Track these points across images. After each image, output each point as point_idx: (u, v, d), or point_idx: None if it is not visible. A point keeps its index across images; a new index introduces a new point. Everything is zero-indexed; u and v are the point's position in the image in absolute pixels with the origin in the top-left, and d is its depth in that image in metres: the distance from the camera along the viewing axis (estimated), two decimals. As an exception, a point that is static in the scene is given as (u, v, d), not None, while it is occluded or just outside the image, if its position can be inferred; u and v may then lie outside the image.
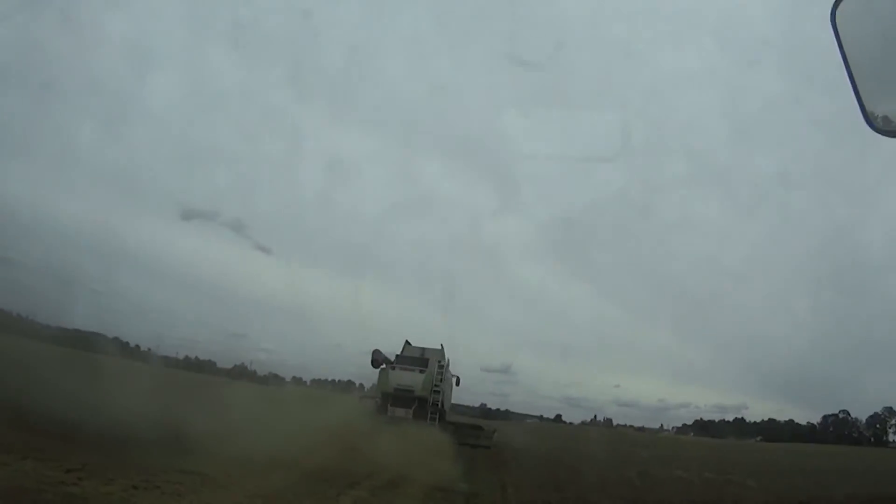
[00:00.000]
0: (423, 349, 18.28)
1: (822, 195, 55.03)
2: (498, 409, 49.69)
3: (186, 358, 30.52)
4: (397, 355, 17.41)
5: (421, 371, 16.65)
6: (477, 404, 48.55)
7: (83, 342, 15.94)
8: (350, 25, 50.58)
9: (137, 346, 24.41)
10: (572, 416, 49.82)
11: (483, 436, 19.83)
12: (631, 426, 43.01)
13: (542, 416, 49.07)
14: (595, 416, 48.78)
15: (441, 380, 16.77)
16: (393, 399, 16.19)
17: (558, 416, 48.26)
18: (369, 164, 49.89)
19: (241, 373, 28.48)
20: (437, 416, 16.30)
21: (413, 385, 16.29)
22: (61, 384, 10.06)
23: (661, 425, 47.50)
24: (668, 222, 52.23)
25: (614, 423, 44.60)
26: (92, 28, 37.59)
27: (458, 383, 20.31)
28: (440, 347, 18.67)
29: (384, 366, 16.84)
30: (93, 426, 8.63)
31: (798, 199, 56.67)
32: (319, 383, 28.41)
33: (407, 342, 18.57)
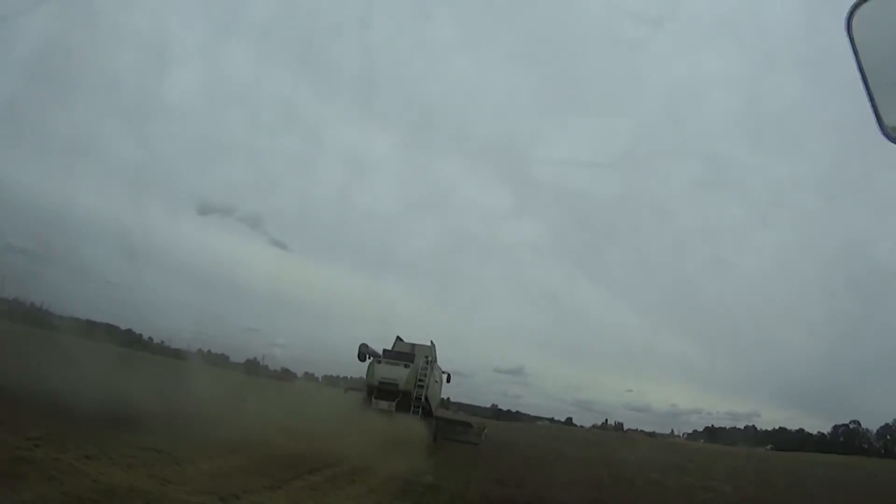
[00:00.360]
0: (414, 345, 18.56)
1: (839, 202, 52.87)
2: (509, 410, 49.76)
3: (199, 351, 31.66)
4: (384, 350, 17.73)
5: (406, 366, 16.92)
6: (488, 405, 48.85)
7: (89, 331, 16.86)
8: (372, 23, 51.13)
9: (150, 339, 25.50)
10: (584, 420, 49.38)
11: (472, 433, 20.06)
12: (642, 431, 42.57)
13: (552, 418, 48.81)
14: (606, 421, 48.26)
15: (426, 374, 16.97)
16: (378, 392, 16.52)
17: (569, 419, 47.92)
18: (387, 161, 50.32)
19: (253, 367, 29.00)
20: (421, 410, 16.52)
21: (397, 379, 16.58)
22: (54, 368, 10.74)
23: (672, 431, 46.91)
24: (683, 227, 51.15)
25: (625, 427, 44.34)
26: (111, 23, 38.67)
27: (448, 380, 20.55)
28: (430, 344, 18.95)
29: (371, 359, 17.20)
30: (76, 405, 9.20)
31: (815, 206, 54.46)
32: (331, 379, 29.06)
33: (398, 338, 18.90)
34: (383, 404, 16.21)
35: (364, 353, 17.09)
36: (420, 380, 16.87)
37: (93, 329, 17.41)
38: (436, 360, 19.23)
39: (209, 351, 30.76)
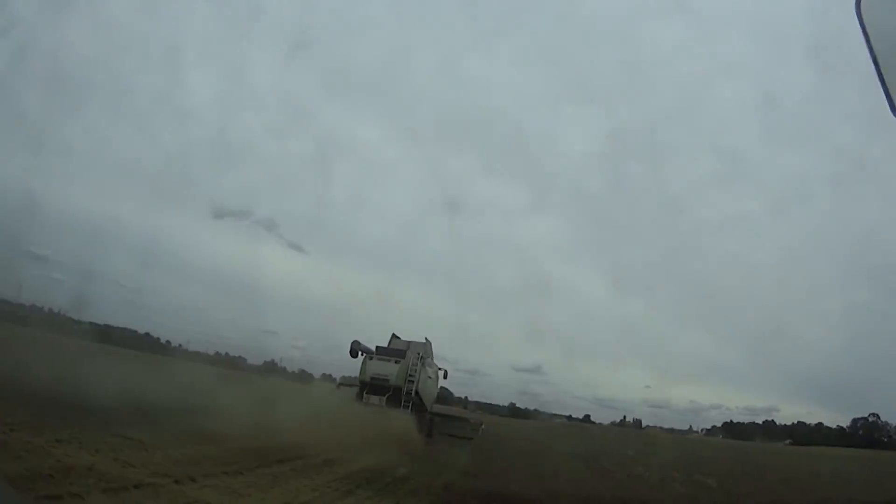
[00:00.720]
0: (409, 342, 18.96)
1: (856, 193, 50.24)
2: (526, 409, 49.80)
3: (217, 354, 32.76)
4: (377, 346, 18.19)
5: (397, 362, 17.33)
6: (506, 403, 49.01)
7: (104, 335, 17.95)
8: (382, 24, 51.82)
9: (168, 342, 26.64)
10: (602, 417, 48.96)
11: (469, 428, 20.35)
12: (660, 427, 42.20)
13: (570, 416, 48.59)
14: (625, 417, 47.71)
15: (416, 370, 17.30)
16: (369, 387, 17.01)
17: (587, 417, 47.61)
18: (401, 162, 50.98)
19: (270, 369, 29.73)
20: (411, 405, 16.86)
21: (388, 374, 17.02)
22: (55, 367, 11.63)
23: (691, 426, 46.47)
24: (699, 221, 49.57)
25: (644, 424, 43.87)
26: (124, 28, 39.91)
27: (445, 376, 20.89)
28: (425, 341, 19.32)
29: (364, 356, 17.68)
30: (70, 399, 9.99)
31: (832, 197, 51.81)
32: (350, 380, 29.83)
33: (394, 335, 19.34)
34: (374, 399, 16.69)
35: (356, 349, 17.58)
36: (411, 375, 17.23)
37: (109, 333, 18.59)
38: (431, 357, 19.59)
39: (226, 354, 31.93)
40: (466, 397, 51.38)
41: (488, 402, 51.56)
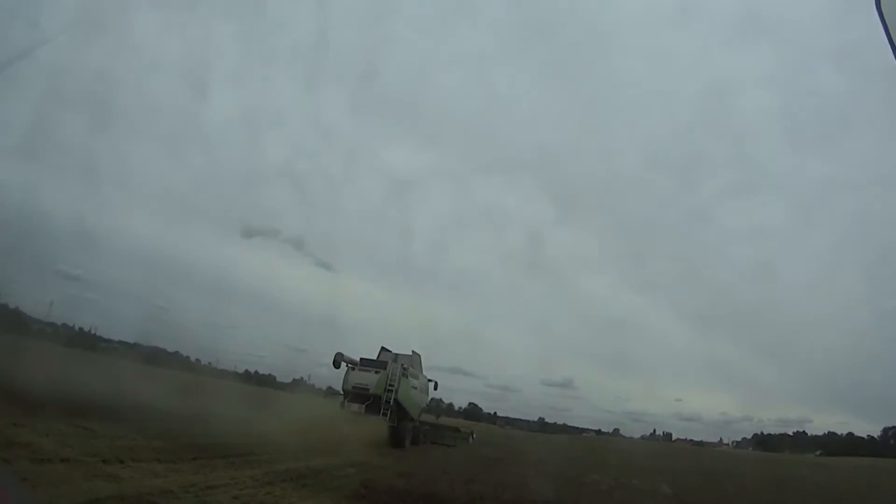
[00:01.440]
0: (396, 355, 19.72)
1: (884, 199, 44.55)
2: (555, 423, 48.86)
3: (246, 372, 34.50)
4: (361, 358, 19.03)
5: (377, 372, 18.04)
6: (535, 418, 48.25)
7: (130, 353, 20.08)
8: (407, 43, 54.09)
9: (198, 360, 28.51)
10: (633, 431, 47.48)
11: (458, 437, 20.82)
12: (690, 440, 41.53)
13: (599, 429, 47.16)
14: (654, 431, 45.96)
15: (396, 380, 17.84)
16: (351, 396, 17.81)
17: (616, 430, 46.15)
18: (427, 179, 52.26)
19: (299, 386, 31.16)
20: (390, 413, 17.38)
21: (368, 384, 17.79)
22: (60, 376, 13.36)
23: (721, 439, 44.93)
24: (727, 232, 46.41)
25: (674, 437, 42.27)
26: (150, 50, 41.87)
27: (436, 387, 21.36)
28: (412, 353, 20.01)
29: (347, 366, 18.55)
30: (59, 399, 11.48)
31: (859, 205, 46.29)
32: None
33: (382, 348, 20.22)
34: (355, 406, 17.49)
35: (339, 360, 18.47)
36: (390, 385, 17.81)
37: (138, 351, 20.66)
38: (419, 369, 20.20)
39: (256, 372, 33.72)
40: (495, 412, 50.98)
41: (518, 416, 50.82)
